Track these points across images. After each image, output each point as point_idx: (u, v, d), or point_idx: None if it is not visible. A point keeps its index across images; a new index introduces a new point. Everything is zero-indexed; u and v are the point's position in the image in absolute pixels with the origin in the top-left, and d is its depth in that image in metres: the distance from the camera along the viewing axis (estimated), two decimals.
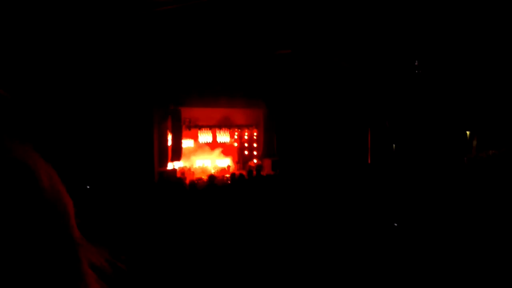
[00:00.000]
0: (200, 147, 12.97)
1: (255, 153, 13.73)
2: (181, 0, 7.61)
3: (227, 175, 11.31)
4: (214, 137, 13.08)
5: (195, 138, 12.76)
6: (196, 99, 11.30)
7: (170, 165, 11.29)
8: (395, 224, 5.67)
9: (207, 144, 12.99)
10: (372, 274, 4.33)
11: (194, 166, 12.59)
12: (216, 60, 10.26)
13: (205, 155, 13.08)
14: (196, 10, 8.17)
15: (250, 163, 13.24)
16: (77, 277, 0.72)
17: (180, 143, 11.38)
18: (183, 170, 11.74)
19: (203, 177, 11.28)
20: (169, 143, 11.16)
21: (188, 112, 11.91)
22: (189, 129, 12.32)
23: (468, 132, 13.53)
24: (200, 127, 12.66)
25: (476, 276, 4.04)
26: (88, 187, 8.19)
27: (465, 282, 4.03)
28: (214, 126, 12.94)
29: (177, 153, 11.23)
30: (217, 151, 13.25)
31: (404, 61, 10.95)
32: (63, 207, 0.74)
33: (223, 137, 13.25)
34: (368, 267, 4.45)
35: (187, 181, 9.83)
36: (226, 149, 13.48)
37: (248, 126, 13.60)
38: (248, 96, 11.67)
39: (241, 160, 13.58)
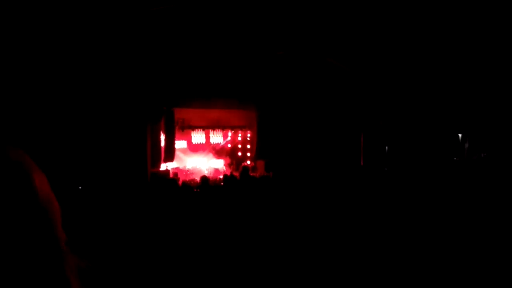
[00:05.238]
0: (193, 148, 12.96)
1: (248, 154, 13.73)
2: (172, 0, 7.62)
3: (220, 176, 11.30)
4: (208, 138, 13.08)
5: (189, 139, 12.75)
6: (189, 100, 11.27)
7: (163, 166, 11.26)
8: (384, 225, 5.70)
9: (200, 145, 13.00)
10: (365, 275, 4.34)
11: (187, 167, 12.57)
12: (209, 61, 10.26)
13: (198, 156, 13.07)
14: (190, 12, 8.17)
15: (243, 164, 13.24)
16: (62, 282, 0.71)
17: (173, 144, 11.35)
18: (176, 171, 11.71)
19: (196, 178, 11.26)
20: (162, 144, 11.13)
21: (181, 113, 11.90)
22: (182, 130, 12.31)
23: (460, 135, 13.65)
24: (193, 128, 12.67)
25: (470, 275, 4.07)
26: (80, 187, 8.15)
27: (458, 281, 4.06)
28: (207, 127, 12.95)
29: (170, 154, 11.20)
30: (210, 152, 13.25)
31: (397, 64, 11.01)
32: (53, 211, 0.74)
33: (216, 138, 13.28)
34: (361, 268, 4.47)
35: (180, 182, 9.81)
36: (219, 150, 13.48)
37: (242, 127, 13.61)
38: (241, 98, 11.67)
39: (234, 161, 13.57)
